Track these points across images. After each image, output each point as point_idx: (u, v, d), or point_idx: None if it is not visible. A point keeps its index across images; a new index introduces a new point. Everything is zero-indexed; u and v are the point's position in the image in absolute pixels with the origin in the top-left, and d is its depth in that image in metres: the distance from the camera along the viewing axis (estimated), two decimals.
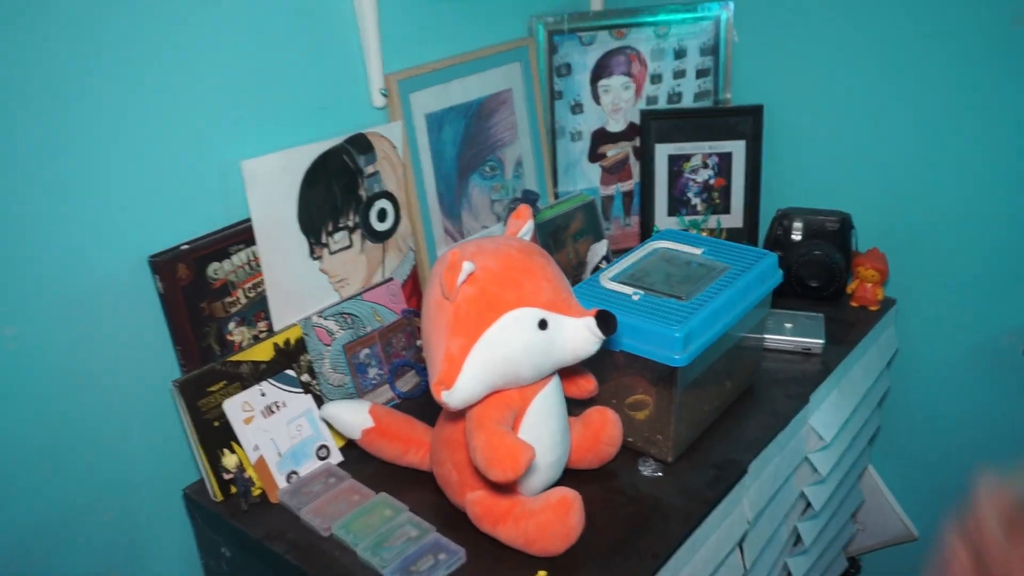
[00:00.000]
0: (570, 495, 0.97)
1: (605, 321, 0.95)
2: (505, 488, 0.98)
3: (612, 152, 1.59)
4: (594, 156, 1.59)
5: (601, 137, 1.58)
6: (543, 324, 0.93)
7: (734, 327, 1.12)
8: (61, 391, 1.02)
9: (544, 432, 0.99)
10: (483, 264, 0.93)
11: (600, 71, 1.54)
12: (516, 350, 0.92)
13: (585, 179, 1.59)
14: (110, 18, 0.95)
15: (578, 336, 0.95)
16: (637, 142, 1.57)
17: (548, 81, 1.53)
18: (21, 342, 0.96)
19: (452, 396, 0.92)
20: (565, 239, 1.48)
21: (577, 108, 1.55)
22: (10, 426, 0.97)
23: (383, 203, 1.27)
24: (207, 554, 1.15)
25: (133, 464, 1.11)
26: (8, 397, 0.97)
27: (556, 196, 1.57)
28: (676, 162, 1.54)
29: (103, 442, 1.07)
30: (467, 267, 0.91)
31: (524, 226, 1.03)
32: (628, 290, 1.11)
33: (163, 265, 1.04)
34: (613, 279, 1.14)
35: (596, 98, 1.56)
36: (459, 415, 0.98)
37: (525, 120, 1.49)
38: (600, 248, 1.46)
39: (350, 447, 1.16)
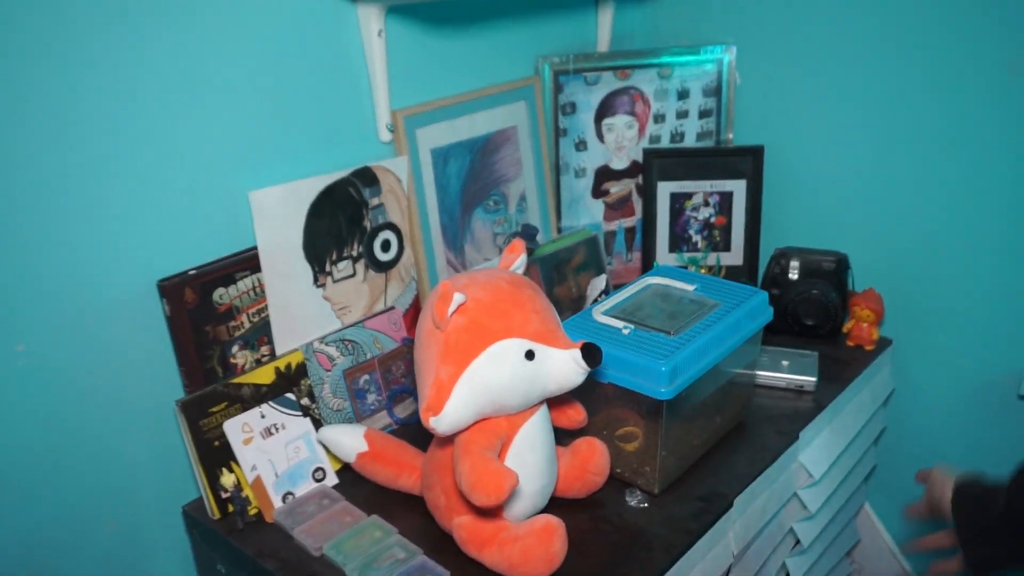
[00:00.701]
0: (554, 522, 0.99)
1: (590, 353, 0.98)
2: (490, 513, 1.00)
3: (615, 189, 1.63)
4: (597, 192, 1.63)
5: (604, 174, 1.62)
6: (530, 355, 0.96)
7: (723, 362, 1.15)
8: (68, 406, 1.06)
9: (530, 460, 1.01)
10: (474, 295, 0.97)
11: (604, 110, 1.59)
12: (503, 379, 0.96)
13: (588, 215, 1.63)
14: (128, 51, 1.00)
15: (564, 367, 0.98)
16: (640, 179, 1.61)
17: (553, 119, 1.57)
18: (31, 357, 1.00)
19: (440, 422, 0.95)
20: (567, 272, 1.52)
21: (581, 145, 1.60)
22: (19, 438, 1.02)
23: (387, 234, 1.31)
24: (203, 569, 1.19)
25: (136, 479, 1.15)
26: (17, 409, 1.01)
27: (559, 231, 1.61)
28: (678, 200, 1.58)
29: (108, 456, 1.11)
30: (458, 298, 0.95)
31: (517, 260, 1.06)
32: (619, 324, 1.14)
33: (170, 289, 1.08)
34: (605, 313, 1.17)
35: (600, 136, 1.60)
36: (449, 441, 1.01)
37: (530, 156, 1.54)
38: (599, 282, 1.49)
39: (346, 470, 1.18)
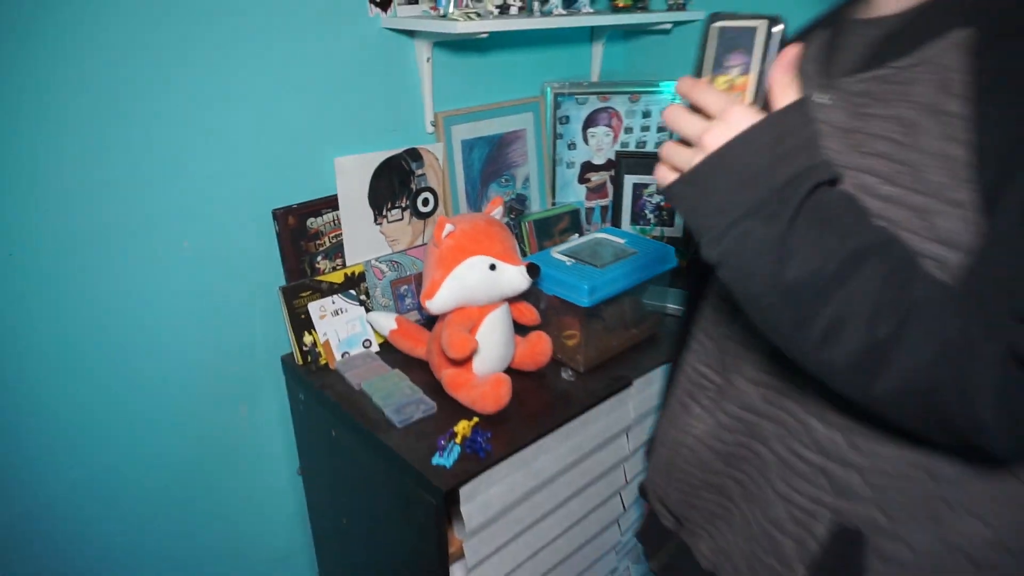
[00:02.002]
0: (503, 377, 1.17)
1: (532, 269, 1.18)
2: (462, 367, 1.21)
3: (595, 178, 1.75)
4: (582, 180, 1.75)
5: (588, 167, 1.74)
6: (493, 267, 1.15)
7: (633, 290, 1.31)
8: (216, 286, 1.26)
9: (491, 338, 1.20)
10: (460, 227, 1.17)
11: (589, 122, 1.70)
12: (474, 281, 1.15)
13: (574, 195, 1.76)
14: (262, 66, 1.21)
15: (515, 277, 1.17)
16: (613, 173, 1.72)
17: (552, 126, 1.70)
18: (192, 251, 1.22)
19: (432, 304, 1.16)
20: (555, 233, 1.70)
21: (572, 146, 1.72)
22: (185, 307, 1.23)
23: (427, 194, 1.49)
24: (291, 396, 1.40)
25: (254, 336, 1.34)
26: (184, 288, 1.22)
27: (553, 204, 1.76)
28: (639, 188, 1.69)
29: (239, 319, 1.31)
30: (448, 227, 1.15)
31: (496, 209, 1.25)
32: (566, 259, 1.32)
33: (280, 215, 1.29)
34: (559, 251, 1.35)
35: (586, 140, 1.71)
36: (441, 321, 1.23)
37: (534, 151, 1.68)
38: (574, 239, 1.67)
39: (385, 343, 1.38)
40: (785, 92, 0.58)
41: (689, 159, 0.59)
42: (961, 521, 0.64)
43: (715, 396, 0.82)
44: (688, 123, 0.59)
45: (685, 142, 0.61)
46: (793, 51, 0.58)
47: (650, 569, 1.00)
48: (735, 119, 0.57)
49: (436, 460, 1.08)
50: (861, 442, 0.66)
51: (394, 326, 1.34)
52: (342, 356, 1.34)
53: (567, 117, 1.71)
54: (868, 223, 0.58)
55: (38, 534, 1.17)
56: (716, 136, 0.57)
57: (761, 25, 0.58)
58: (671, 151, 0.61)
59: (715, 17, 0.61)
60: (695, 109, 0.60)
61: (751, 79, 0.59)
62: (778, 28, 0.58)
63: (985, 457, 0.60)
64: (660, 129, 1.72)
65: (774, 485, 0.74)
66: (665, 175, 0.62)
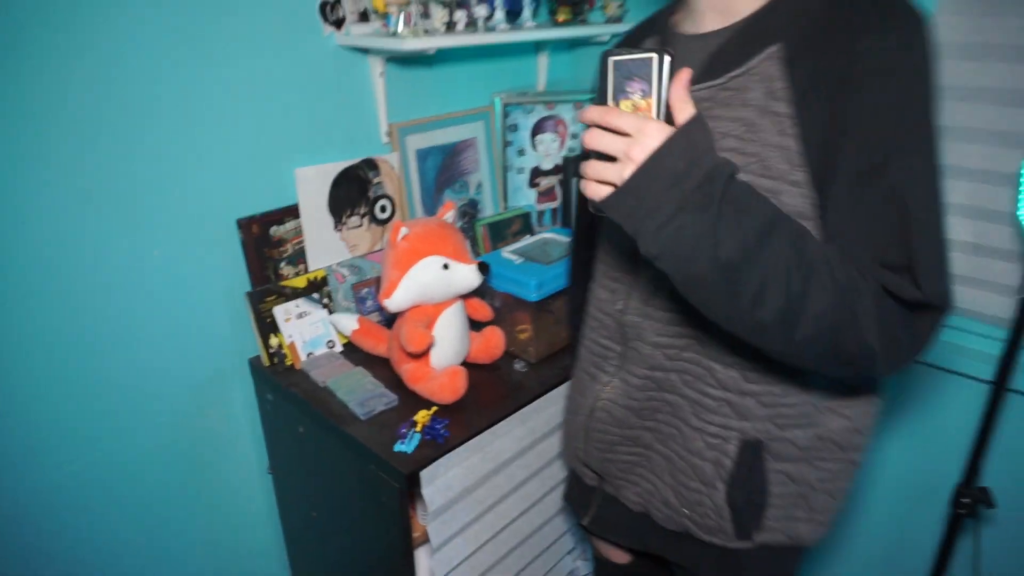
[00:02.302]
0: (459, 369, 1.26)
1: (483, 267, 1.27)
2: (421, 361, 1.29)
3: (544, 182, 1.82)
4: (532, 184, 1.81)
5: (537, 172, 1.80)
6: (446, 266, 1.25)
7: None
8: (184, 290, 1.32)
9: (447, 333, 1.28)
10: (414, 230, 1.26)
11: (537, 130, 1.76)
12: (428, 280, 1.24)
13: (525, 199, 1.83)
14: (219, 91, 1.29)
15: (467, 275, 1.26)
16: (561, 177, 1.80)
17: (502, 134, 1.78)
18: (164, 259, 1.28)
19: (390, 303, 1.24)
20: (508, 235, 1.79)
21: (521, 152, 1.79)
22: (156, 309, 1.29)
23: (384, 202, 1.56)
24: (259, 397, 1.46)
25: (222, 339, 1.39)
26: (154, 292, 1.28)
27: (505, 208, 1.85)
28: None
29: (207, 323, 1.36)
30: (403, 231, 1.24)
31: (448, 213, 1.34)
32: (515, 258, 1.41)
33: (244, 224, 1.35)
34: (509, 251, 1.45)
35: (534, 147, 1.77)
36: (400, 319, 1.31)
37: (485, 158, 1.76)
38: (526, 240, 1.76)
39: (349, 345, 1.45)
40: (685, 107, 0.68)
41: (619, 172, 0.67)
42: (828, 418, 0.86)
43: (619, 363, 0.94)
44: (611, 142, 0.68)
45: (604, 159, 0.69)
46: (686, 75, 0.68)
47: (581, 525, 1.11)
48: (652, 134, 0.66)
49: (398, 447, 1.16)
50: (752, 375, 0.83)
51: (356, 326, 1.41)
52: (307, 356, 1.41)
53: (516, 125, 1.80)
54: (768, 203, 0.69)
55: (13, 536, 1.22)
56: (641, 150, 0.66)
57: (655, 56, 0.68)
58: (598, 168, 0.69)
59: (608, 54, 0.69)
60: (607, 131, 0.69)
61: (653, 101, 0.69)
62: (668, 58, 0.68)
63: (864, 376, 0.77)
64: None
65: (689, 422, 0.89)
66: (597, 189, 0.70)
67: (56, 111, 1.11)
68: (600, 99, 0.71)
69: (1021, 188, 1.07)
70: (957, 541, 1.29)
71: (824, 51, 0.70)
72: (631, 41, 0.96)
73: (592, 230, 1.04)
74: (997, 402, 1.17)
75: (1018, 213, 1.08)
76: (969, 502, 1.23)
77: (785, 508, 0.89)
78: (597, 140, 0.69)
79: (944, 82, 1.11)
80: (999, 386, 1.17)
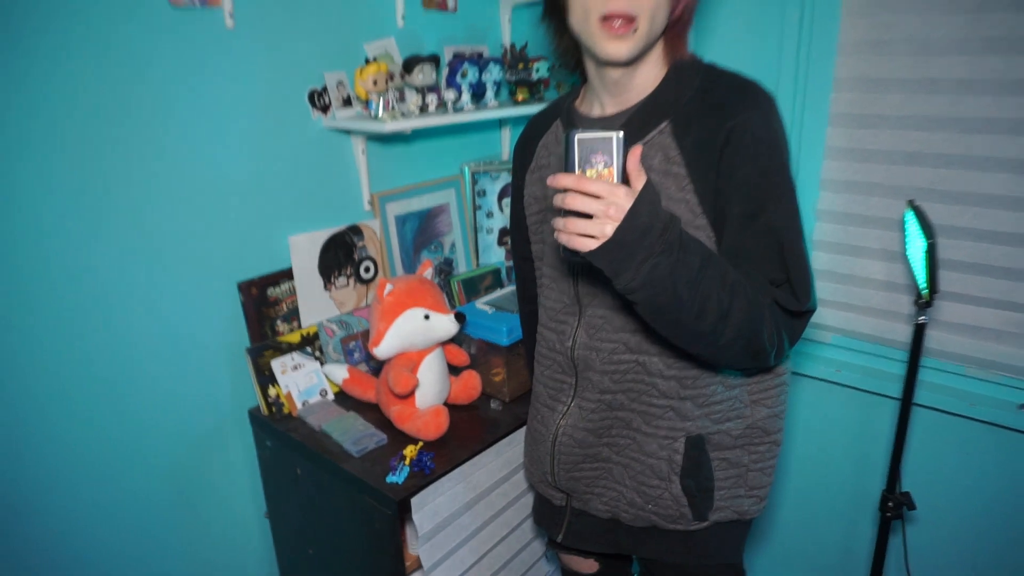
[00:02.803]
0: (442, 408, 1.40)
1: (459, 317, 1.44)
2: (407, 402, 1.44)
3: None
4: (500, 243, 1.96)
5: (504, 232, 1.94)
6: (427, 317, 1.41)
7: None
8: (193, 348, 1.45)
9: (429, 377, 1.43)
10: (398, 286, 1.42)
11: (502, 194, 1.92)
12: (411, 329, 1.39)
13: (495, 256, 2.00)
14: (232, 161, 1.48)
15: (445, 324, 1.42)
16: None
17: (472, 199, 1.95)
18: (173, 318, 1.41)
19: (379, 351, 1.40)
20: (480, 289, 1.97)
21: (490, 215, 1.94)
22: (170, 371, 1.42)
23: (368, 263, 1.72)
24: (258, 444, 1.58)
25: (223, 391, 1.51)
26: (166, 353, 1.41)
27: (478, 265, 2.01)
28: None
29: (210, 377, 1.49)
30: (388, 287, 1.41)
31: (426, 270, 1.52)
32: (488, 308, 1.59)
33: (244, 287, 1.50)
34: (482, 303, 1.62)
35: (501, 209, 1.92)
36: (387, 365, 1.47)
37: (458, 221, 1.94)
38: (497, 292, 1.94)
39: (340, 393, 1.59)
40: (640, 175, 0.83)
41: (600, 228, 0.80)
42: (754, 409, 1.06)
43: (573, 393, 1.10)
44: (588, 203, 0.81)
45: (578, 216, 0.82)
46: (639, 150, 0.84)
47: (554, 543, 1.25)
48: (622, 196, 0.80)
49: (389, 478, 1.30)
50: (689, 383, 1.01)
51: (346, 375, 1.56)
52: (303, 405, 1.55)
53: (484, 191, 1.98)
54: (701, 243, 0.87)
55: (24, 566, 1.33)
56: (617, 210, 0.80)
57: (615, 135, 0.81)
58: (580, 225, 0.81)
59: (574, 132, 0.82)
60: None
61: (614, 169, 0.82)
62: (621, 135, 0.82)
63: (762, 370, 1.03)
64: None
65: (642, 430, 1.05)
66: (584, 242, 0.81)
67: (73, 185, 1.27)
68: (567, 168, 0.83)
69: (907, 233, 1.28)
70: (889, 541, 1.46)
71: (703, 126, 0.91)
72: (540, 122, 1.16)
73: (531, 285, 1.24)
74: (906, 415, 1.36)
75: (907, 253, 1.30)
76: (893, 505, 1.40)
77: (729, 488, 1.07)
78: (577, 202, 0.81)
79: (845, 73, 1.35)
80: (906, 401, 1.36)
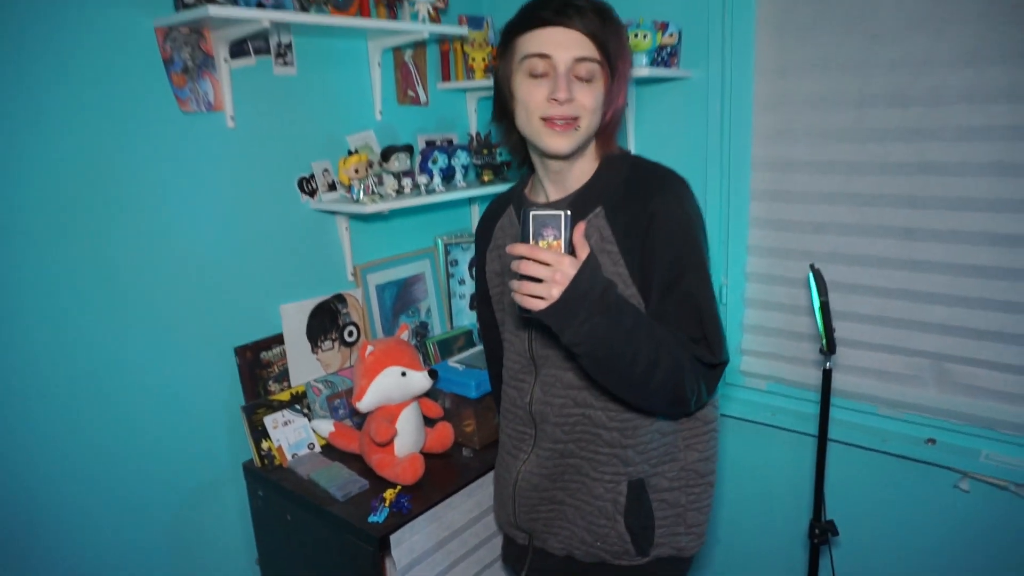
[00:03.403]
0: (418, 456, 1.57)
1: (432, 374, 1.64)
2: (386, 450, 1.61)
3: None
4: (472, 307, 2.19)
5: (475, 298, 2.24)
6: (404, 374, 1.60)
7: None
8: (189, 407, 1.62)
9: (406, 427, 1.60)
10: (378, 347, 1.62)
11: (472, 264, 2.15)
12: (390, 385, 1.58)
13: (467, 319, 2.20)
14: (229, 240, 1.69)
15: (420, 380, 1.60)
16: None
17: (445, 268, 2.16)
18: (175, 382, 1.60)
19: (361, 404, 1.58)
20: (454, 349, 2.16)
21: (462, 282, 2.17)
22: (171, 428, 1.58)
23: (351, 328, 1.91)
24: (251, 494, 1.73)
25: (219, 445, 1.68)
26: (168, 412, 1.58)
27: (452, 327, 2.21)
28: None
29: (209, 433, 1.66)
30: (369, 348, 1.60)
31: (403, 332, 1.73)
32: (459, 366, 1.78)
33: (240, 351, 1.68)
34: (454, 361, 1.82)
35: (472, 277, 2.16)
36: (369, 417, 1.65)
37: (432, 288, 2.14)
38: (468, 352, 2.13)
39: (326, 445, 1.76)
40: (584, 247, 0.96)
41: (547, 290, 0.93)
42: (686, 453, 1.16)
43: (531, 442, 1.21)
44: (538, 269, 0.93)
45: (530, 280, 0.94)
46: (583, 226, 0.98)
47: None
48: (568, 265, 0.93)
49: (371, 518, 1.47)
50: (629, 433, 1.12)
51: (332, 429, 1.73)
52: (292, 457, 1.72)
53: (456, 260, 2.20)
54: (632, 304, 1.01)
55: None
56: (563, 276, 0.92)
57: (563, 213, 0.94)
58: (530, 288, 0.94)
59: (529, 210, 0.96)
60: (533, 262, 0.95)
61: (562, 241, 0.94)
62: (568, 213, 0.95)
63: (685, 415, 1.14)
64: None
65: (589, 475, 1.16)
66: (535, 302, 0.94)
67: (90, 262, 1.47)
68: (523, 239, 0.96)
69: (811, 290, 1.52)
70: (819, 565, 1.64)
71: (629, 210, 1.07)
72: (496, 208, 1.31)
73: (497, 347, 1.37)
74: (823, 451, 1.57)
75: (814, 306, 1.53)
76: (819, 532, 1.58)
77: (668, 527, 1.17)
78: (528, 268, 0.94)
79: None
80: (822, 438, 1.57)
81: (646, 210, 1.05)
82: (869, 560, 1.74)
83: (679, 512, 1.18)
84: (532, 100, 1.04)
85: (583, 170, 1.13)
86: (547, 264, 0.93)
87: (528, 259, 0.94)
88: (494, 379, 1.46)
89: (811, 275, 1.51)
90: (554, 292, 0.93)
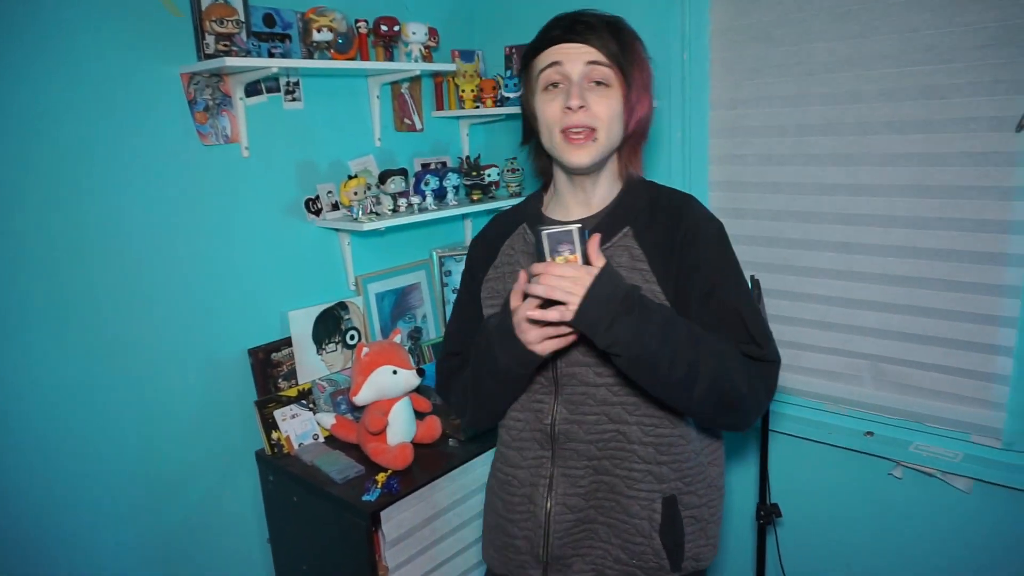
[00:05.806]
0: (407, 444, 1.78)
1: (420, 372, 1.86)
2: (379, 439, 1.83)
3: None
4: None
5: None
6: (395, 372, 1.82)
7: None
8: (212, 401, 1.85)
9: (398, 419, 1.80)
10: (372, 349, 1.85)
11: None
12: (382, 381, 1.80)
13: None
14: (245, 257, 1.94)
15: (409, 377, 1.82)
16: None
17: (440, 278, 2.36)
18: (195, 379, 1.85)
19: (357, 399, 1.81)
20: None
21: (455, 291, 2.41)
22: (192, 420, 1.82)
23: (353, 332, 2.13)
24: (262, 479, 1.95)
25: (234, 436, 1.90)
26: (189, 406, 1.82)
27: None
28: None
29: (226, 429, 1.88)
30: (365, 349, 1.84)
31: (396, 336, 1.96)
32: None
33: (252, 353, 1.90)
34: None
35: None
36: (365, 411, 1.88)
37: (428, 297, 2.35)
38: None
39: (329, 436, 1.98)
40: (599, 257, 0.97)
41: (573, 299, 0.94)
42: (710, 470, 1.18)
43: (550, 466, 1.14)
44: (560, 283, 0.95)
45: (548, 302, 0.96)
46: (597, 237, 0.98)
47: None
48: (586, 275, 0.94)
49: (364, 497, 1.69)
50: (664, 449, 1.11)
51: (334, 422, 1.95)
52: (299, 446, 1.94)
53: (449, 271, 2.40)
54: (665, 306, 1.02)
55: None
56: (582, 287, 0.94)
57: (575, 227, 0.95)
58: (558, 298, 0.95)
59: (543, 230, 0.96)
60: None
61: (578, 255, 0.96)
62: (580, 227, 0.96)
63: (747, 425, 1.09)
64: None
65: (625, 493, 1.11)
66: (562, 312, 0.96)
67: (124, 272, 1.71)
68: (539, 259, 0.98)
69: None
70: (766, 544, 1.84)
71: (658, 229, 1.08)
72: (505, 225, 1.23)
73: (468, 349, 1.25)
74: (766, 441, 1.77)
75: None
76: (764, 514, 1.78)
77: (695, 541, 1.15)
78: (549, 282, 0.95)
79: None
80: (764, 429, 1.77)
81: (680, 227, 1.08)
82: (810, 538, 1.94)
83: (703, 526, 1.17)
84: (549, 113, 1.07)
85: (608, 189, 1.15)
86: (567, 276, 0.95)
87: (548, 274, 0.95)
88: (453, 369, 1.32)
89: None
90: (578, 300, 0.95)
